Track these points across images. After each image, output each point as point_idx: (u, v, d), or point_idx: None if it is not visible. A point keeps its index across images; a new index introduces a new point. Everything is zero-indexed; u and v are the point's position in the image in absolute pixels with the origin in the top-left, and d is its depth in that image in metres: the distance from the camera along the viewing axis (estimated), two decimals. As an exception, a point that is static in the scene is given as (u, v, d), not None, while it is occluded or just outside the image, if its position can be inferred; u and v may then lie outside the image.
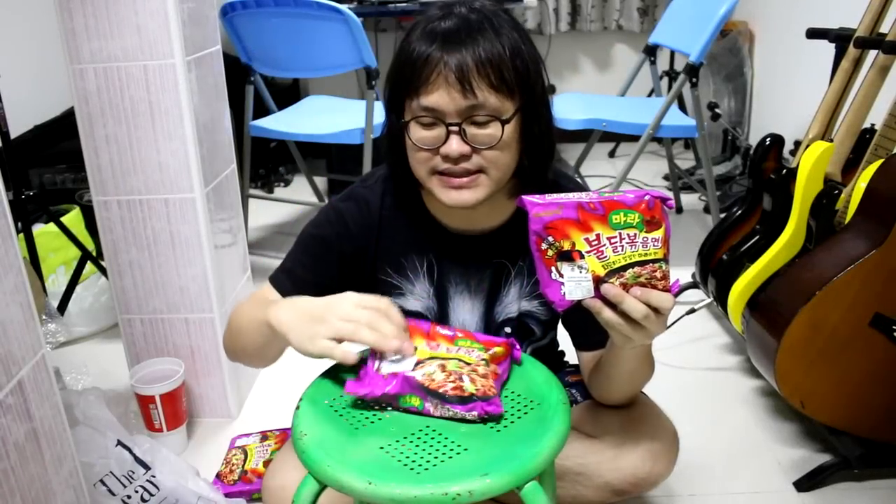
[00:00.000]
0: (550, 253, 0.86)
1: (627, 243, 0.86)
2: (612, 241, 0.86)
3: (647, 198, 0.85)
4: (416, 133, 0.96)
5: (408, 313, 1.08)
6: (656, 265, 0.86)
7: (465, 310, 1.13)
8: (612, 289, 0.84)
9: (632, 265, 0.85)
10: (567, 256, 0.85)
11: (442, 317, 1.14)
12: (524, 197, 0.86)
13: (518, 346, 0.99)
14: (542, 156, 1.03)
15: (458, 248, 1.10)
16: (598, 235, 0.85)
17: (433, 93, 0.92)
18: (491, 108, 0.93)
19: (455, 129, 0.93)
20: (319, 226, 1.10)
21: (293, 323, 0.91)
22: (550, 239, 0.85)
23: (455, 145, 0.94)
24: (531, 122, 0.99)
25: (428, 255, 1.10)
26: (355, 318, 0.88)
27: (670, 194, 0.90)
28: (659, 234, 0.86)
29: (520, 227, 0.95)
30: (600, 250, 0.85)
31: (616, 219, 0.86)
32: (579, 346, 1.13)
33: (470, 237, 1.09)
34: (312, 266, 1.09)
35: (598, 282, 0.85)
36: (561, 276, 0.86)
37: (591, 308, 0.86)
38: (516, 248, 1.08)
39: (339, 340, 0.88)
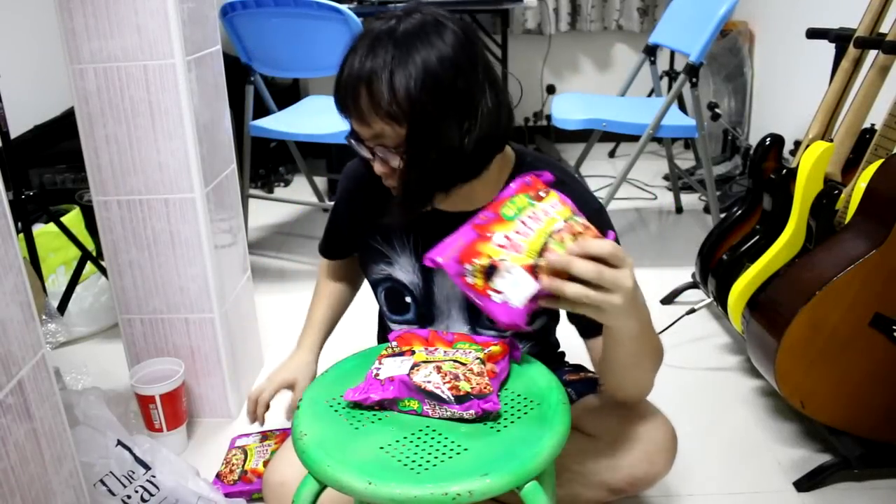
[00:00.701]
0: (479, 281, 0.85)
1: (532, 222, 0.86)
2: (519, 231, 0.86)
3: (522, 181, 0.89)
4: (357, 148, 1.02)
5: (397, 284, 1.15)
6: (569, 223, 0.85)
7: (448, 287, 1.14)
8: (553, 258, 0.83)
9: (549, 237, 0.84)
10: (492, 272, 0.84)
11: (427, 294, 1.16)
12: (428, 256, 0.88)
13: (518, 346, 1.00)
14: (434, 180, 0.99)
15: (445, 227, 1.10)
16: (504, 236, 0.86)
17: (351, 118, 0.98)
18: (391, 137, 0.95)
19: (371, 154, 0.99)
20: (337, 192, 1.26)
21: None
22: (469, 267, 0.85)
23: (376, 166, 1.00)
24: (420, 154, 0.96)
25: (412, 232, 1.13)
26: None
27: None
28: (552, 198, 0.87)
29: None
30: (515, 245, 0.85)
31: (508, 211, 0.87)
32: (585, 333, 1.12)
33: (454, 215, 1.10)
34: (333, 228, 1.30)
35: (532, 271, 0.84)
36: (499, 292, 0.84)
37: (551, 290, 0.83)
38: None
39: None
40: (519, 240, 0.85)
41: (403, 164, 0.97)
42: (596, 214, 1.05)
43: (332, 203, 1.29)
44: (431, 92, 0.92)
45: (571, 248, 0.83)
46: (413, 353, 0.93)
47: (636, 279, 0.86)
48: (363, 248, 1.21)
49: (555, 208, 0.86)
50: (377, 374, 0.91)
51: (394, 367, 0.91)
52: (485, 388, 0.87)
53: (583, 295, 0.82)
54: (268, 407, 1.22)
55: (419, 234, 1.13)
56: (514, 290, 0.84)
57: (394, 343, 0.98)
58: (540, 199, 0.87)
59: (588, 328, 1.10)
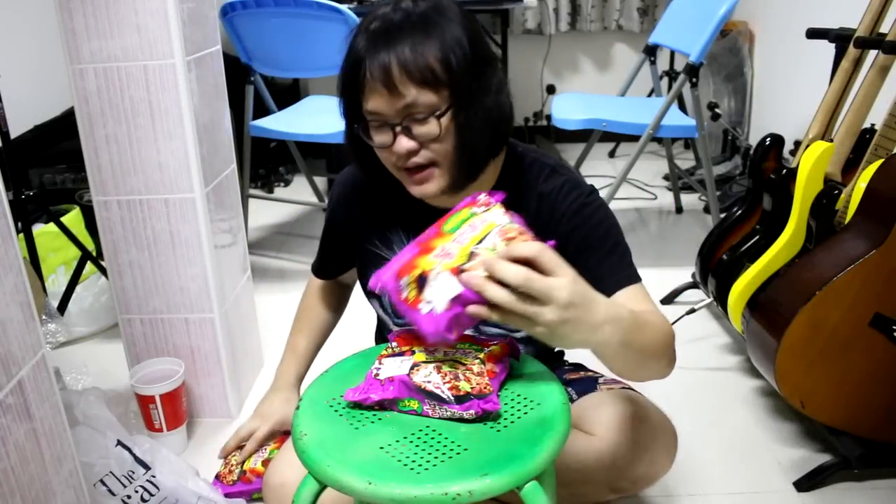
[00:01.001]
0: (412, 293, 0.85)
1: (469, 231, 0.85)
2: (455, 240, 0.85)
3: (470, 198, 0.89)
4: (370, 136, 1.00)
5: None
6: (505, 228, 0.83)
7: None
8: (476, 260, 0.79)
9: (482, 240, 0.83)
10: (423, 283, 0.84)
11: None
12: (371, 282, 0.89)
13: (518, 346, 0.99)
14: (488, 133, 1.00)
15: None
16: (441, 247, 0.86)
17: (370, 98, 0.96)
18: (425, 105, 0.94)
19: (398, 129, 0.96)
20: (329, 203, 1.25)
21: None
22: (404, 280, 0.85)
23: (400, 145, 0.97)
24: (466, 116, 0.97)
25: (412, 230, 1.12)
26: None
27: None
28: (496, 209, 0.86)
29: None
30: (447, 254, 0.84)
31: (448, 226, 0.87)
32: None
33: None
34: (327, 243, 1.29)
35: (458, 273, 0.81)
36: (427, 302, 0.83)
37: (469, 285, 0.78)
38: None
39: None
40: (452, 247, 0.84)
41: (453, 125, 0.96)
42: (585, 204, 1.06)
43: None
44: (464, 55, 0.94)
45: (500, 251, 0.79)
46: (413, 352, 0.93)
47: (587, 291, 0.79)
48: (362, 255, 1.20)
49: (494, 217, 0.85)
50: (377, 374, 0.91)
51: (394, 367, 0.91)
52: (485, 388, 0.87)
53: (506, 302, 0.75)
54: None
55: (418, 233, 1.13)
56: (438, 296, 0.81)
57: (394, 343, 0.98)
58: (482, 210, 0.87)
59: None
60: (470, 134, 0.98)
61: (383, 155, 1.01)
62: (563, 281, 0.76)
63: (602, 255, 1.04)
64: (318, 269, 1.35)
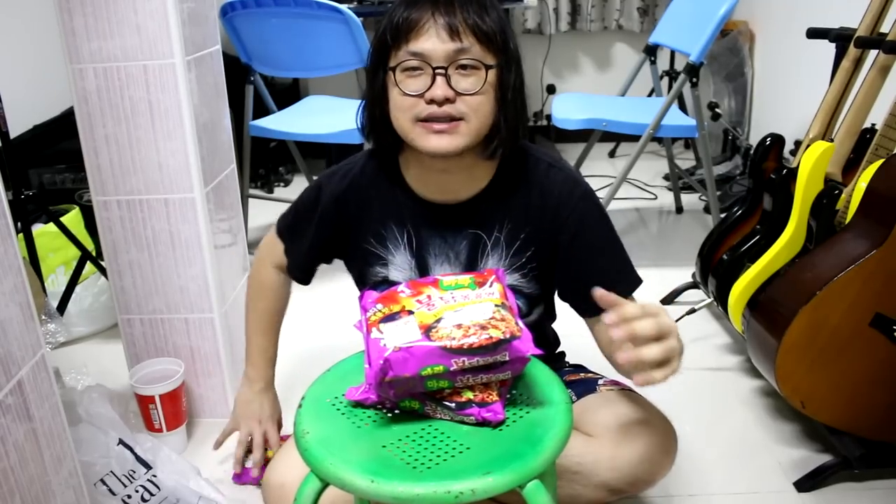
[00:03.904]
0: (375, 316, 0.85)
1: (460, 297, 0.85)
2: (443, 297, 0.86)
3: (477, 272, 0.91)
4: (402, 80, 1.00)
5: (393, 285, 1.11)
6: (495, 309, 0.84)
7: None
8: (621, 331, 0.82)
9: (465, 308, 0.84)
10: (393, 318, 0.84)
11: None
12: (364, 295, 0.90)
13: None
14: (514, 113, 1.05)
15: (435, 218, 1.12)
16: (429, 296, 0.86)
17: (422, 37, 0.97)
18: (477, 54, 0.98)
19: (441, 72, 0.97)
20: (302, 201, 1.22)
21: (235, 405, 1.35)
22: (378, 306, 0.86)
23: (440, 89, 0.97)
24: (507, 78, 1.02)
25: (406, 225, 1.13)
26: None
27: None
28: (494, 288, 0.87)
29: (494, 198, 1.09)
30: (430, 304, 0.85)
31: (447, 283, 0.88)
32: (586, 312, 1.15)
33: (445, 207, 1.12)
34: (315, 244, 1.21)
35: (426, 330, 0.82)
36: (381, 332, 0.84)
37: (637, 372, 0.84)
38: (490, 218, 1.11)
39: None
40: (438, 303, 0.86)
41: (495, 84, 1.00)
42: (582, 198, 1.10)
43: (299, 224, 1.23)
44: (512, 35, 1.03)
45: (615, 315, 0.82)
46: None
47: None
48: (356, 255, 1.18)
49: (489, 294, 0.86)
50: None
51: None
52: (487, 396, 0.86)
53: (660, 350, 0.83)
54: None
55: (412, 227, 1.13)
56: (394, 334, 0.83)
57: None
58: (480, 285, 0.88)
59: (589, 307, 1.11)
60: (505, 102, 1.02)
61: (407, 104, 1.00)
62: (662, 310, 0.86)
63: (609, 257, 1.12)
64: (296, 270, 1.27)
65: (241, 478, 1.39)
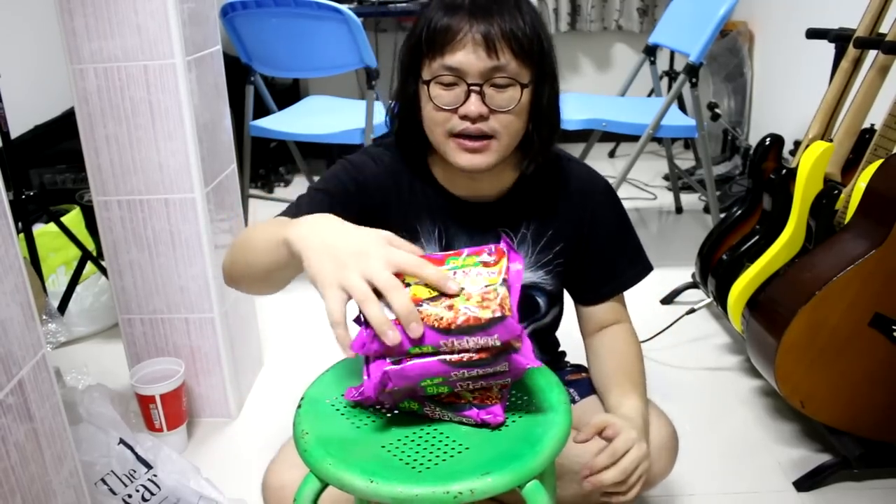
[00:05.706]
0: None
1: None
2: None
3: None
4: (436, 93, 0.98)
5: None
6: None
7: None
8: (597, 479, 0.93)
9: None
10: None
11: None
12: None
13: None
14: (548, 129, 1.06)
15: (464, 215, 1.12)
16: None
17: (458, 52, 0.95)
18: (512, 72, 0.97)
19: (476, 88, 0.96)
20: (332, 177, 1.10)
21: (315, 252, 0.79)
22: None
23: (474, 106, 0.96)
24: (542, 95, 1.03)
25: (437, 221, 1.12)
26: (375, 279, 0.75)
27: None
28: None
29: (520, 196, 1.10)
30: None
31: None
32: (582, 300, 1.18)
33: (474, 205, 1.11)
34: (321, 204, 1.04)
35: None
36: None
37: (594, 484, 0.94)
38: (517, 216, 1.12)
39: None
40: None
41: (530, 102, 1.00)
42: (605, 192, 1.16)
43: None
44: (550, 43, 1.03)
45: (602, 455, 0.95)
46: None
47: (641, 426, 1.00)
48: None
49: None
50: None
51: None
52: (486, 399, 0.86)
53: (622, 473, 0.93)
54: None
55: (442, 224, 1.12)
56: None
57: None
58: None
59: (585, 295, 1.17)
60: (539, 117, 1.03)
61: (440, 118, 0.99)
62: (630, 427, 0.96)
63: (626, 243, 1.18)
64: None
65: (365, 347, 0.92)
